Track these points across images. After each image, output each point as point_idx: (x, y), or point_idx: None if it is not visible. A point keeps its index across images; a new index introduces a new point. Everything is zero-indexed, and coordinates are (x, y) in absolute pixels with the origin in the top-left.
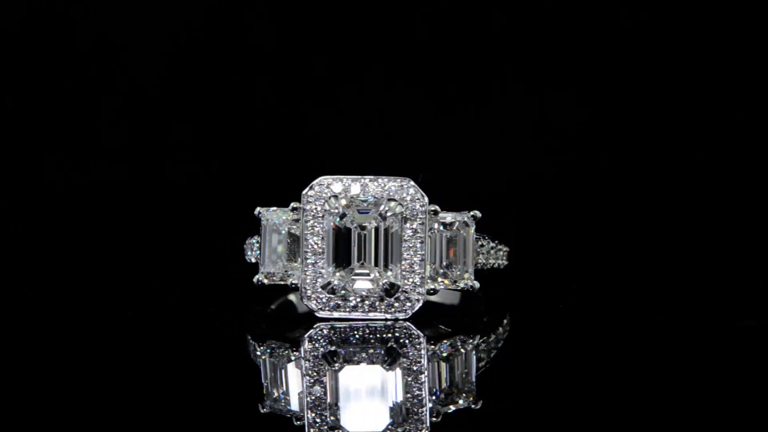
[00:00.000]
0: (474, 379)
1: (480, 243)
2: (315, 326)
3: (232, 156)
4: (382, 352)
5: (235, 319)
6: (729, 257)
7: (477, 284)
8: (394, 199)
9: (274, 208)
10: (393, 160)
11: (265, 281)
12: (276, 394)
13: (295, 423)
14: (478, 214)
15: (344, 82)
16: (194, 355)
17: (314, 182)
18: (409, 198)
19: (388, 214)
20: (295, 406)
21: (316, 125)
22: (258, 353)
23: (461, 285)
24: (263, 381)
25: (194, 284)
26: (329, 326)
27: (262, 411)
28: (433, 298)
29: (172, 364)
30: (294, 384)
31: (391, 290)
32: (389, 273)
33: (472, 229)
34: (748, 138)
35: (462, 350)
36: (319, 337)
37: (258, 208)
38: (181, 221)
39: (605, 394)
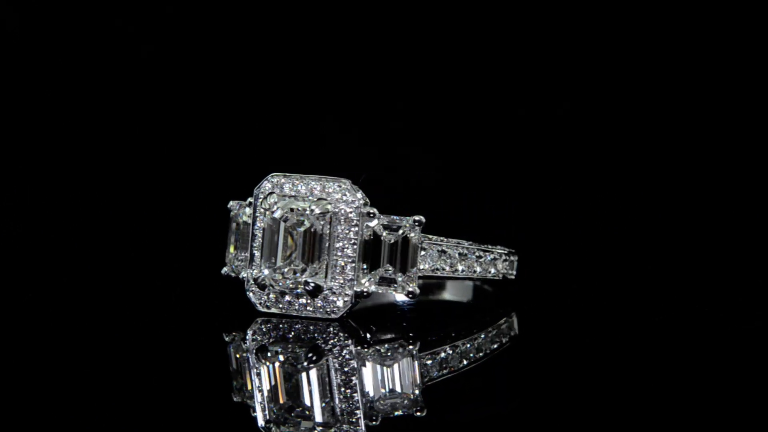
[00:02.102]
0: (419, 387)
1: (488, 256)
2: (255, 321)
3: (231, 156)
4: (310, 351)
5: (234, 316)
6: (729, 257)
7: (417, 290)
8: (325, 199)
9: (240, 203)
10: (392, 160)
11: (231, 274)
12: (239, 385)
13: (252, 414)
14: (422, 218)
15: (344, 82)
16: (189, 350)
17: (265, 179)
18: (344, 199)
19: (317, 211)
20: (250, 397)
21: (316, 125)
22: (227, 344)
23: (399, 289)
24: (231, 372)
25: (194, 284)
26: (269, 322)
27: (234, 400)
28: (446, 295)
29: (168, 359)
30: (248, 376)
31: (315, 291)
32: (319, 273)
33: (415, 234)
34: (748, 138)
35: (405, 355)
36: (258, 333)
37: (230, 202)
38: (181, 221)
39: (575, 404)
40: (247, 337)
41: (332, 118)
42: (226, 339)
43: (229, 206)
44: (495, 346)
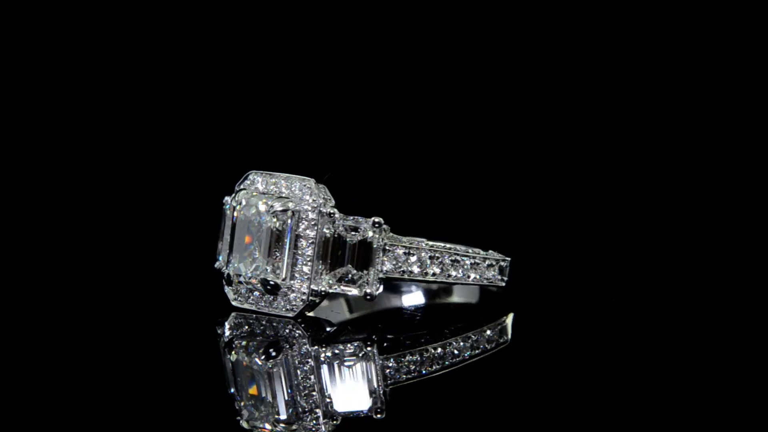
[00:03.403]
0: (381, 388)
1: (467, 260)
2: (231, 316)
3: (231, 155)
4: (270, 347)
5: (230, 311)
6: (726, 262)
7: (375, 293)
8: (287, 197)
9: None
10: (390, 159)
11: (220, 267)
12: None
13: (236, 406)
14: (381, 220)
15: (344, 81)
16: (186, 345)
17: (245, 175)
18: (305, 198)
19: (278, 209)
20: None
21: (315, 125)
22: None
23: (356, 290)
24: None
25: (195, 283)
26: (242, 317)
27: (230, 392)
28: (455, 298)
29: (165, 354)
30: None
31: (273, 290)
32: (279, 271)
33: (376, 235)
34: (747, 138)
35: (367, 356)
36: (232, 328)
37: (226, 197)
38: (181, 221)
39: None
40: (225, 332)
41: (331, 118)
42: (219, 332)
43: (224, 201)
44: (477, 351)
